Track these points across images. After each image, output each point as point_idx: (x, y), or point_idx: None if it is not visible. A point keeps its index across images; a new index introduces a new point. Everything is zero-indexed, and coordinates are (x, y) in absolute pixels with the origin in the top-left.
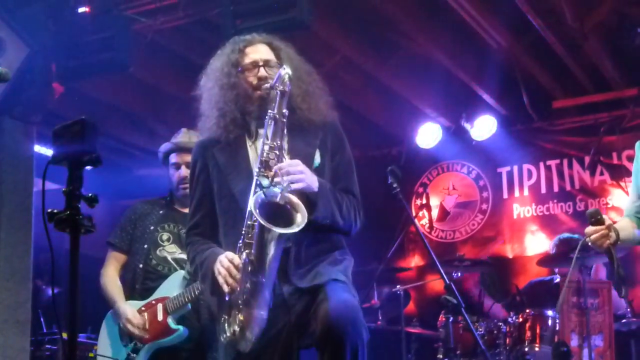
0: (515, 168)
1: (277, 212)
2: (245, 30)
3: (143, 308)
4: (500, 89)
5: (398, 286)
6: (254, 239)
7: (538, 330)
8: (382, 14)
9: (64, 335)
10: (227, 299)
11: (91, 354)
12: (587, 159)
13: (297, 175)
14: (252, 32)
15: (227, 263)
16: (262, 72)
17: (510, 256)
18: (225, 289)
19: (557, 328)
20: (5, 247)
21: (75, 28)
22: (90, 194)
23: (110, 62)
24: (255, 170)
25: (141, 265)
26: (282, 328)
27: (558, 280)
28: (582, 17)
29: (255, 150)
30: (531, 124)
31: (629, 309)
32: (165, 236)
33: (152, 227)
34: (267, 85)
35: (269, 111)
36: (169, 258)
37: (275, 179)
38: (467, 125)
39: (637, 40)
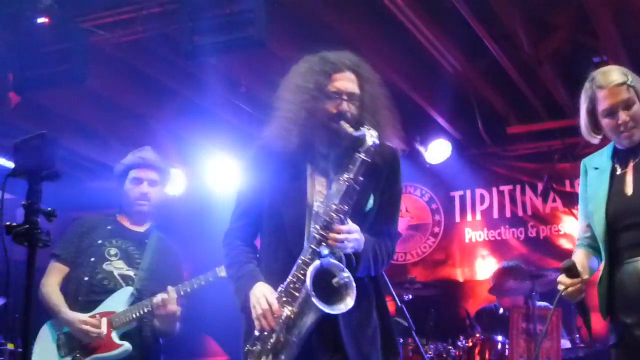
0: (468, 192)
1: (330, 286)
2: (203, 47)
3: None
4: (455, 113)
5: None
6: (299, 295)
7: (487, 355)
8: (339, 35)
9: (10, 346)
10: (256, 333)
11: None
12: (540, 186)
13: (351, 243)
14: (214, 54)
15: (265, 305)
16: (344, 106)
17: (461, 280)
18: (257, 326)
19: (507, 353)
20: None
21: (33, 38)
22: (49, 208)
23: (66, 74)
24: (315, 227)
25: (87, 278)
26: None
27: (502, 310)
28: (538, 44)
29: (313, 182)
30: (485, 149)
31: (577, 336)
32: (113, 251)
33: (99, 241)
34: (347, 128)
35: (346, 175)
36: (116, 273)
37: (334, 244)
38: (421, 149)
39: (592, 69)
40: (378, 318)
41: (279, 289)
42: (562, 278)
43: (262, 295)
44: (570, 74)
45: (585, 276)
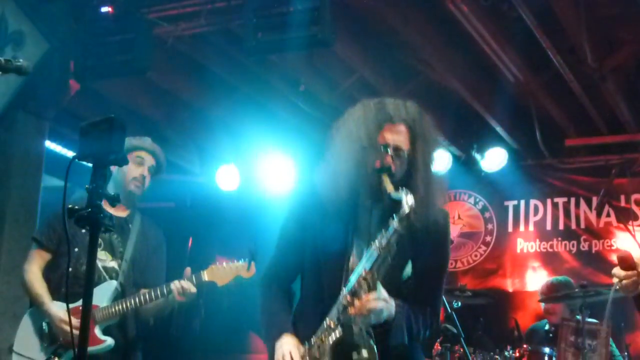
0: (523, 203)
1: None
2: (266, 44)
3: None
4: (514, 122)
5: None
6: (324, 354)
7: None
8: (403, 39)
9: None
10: None
11: None
12: (594, 199)
13: (376, 313)
14: (276, 51)
15: None
16: (388, 159)
17: (510, 290)
18: None
19: None
20: (8, 240)
21: (96, 27)
22: (113, 193)
23: (128, 64)
24: (345, 297)
25: (70, 269)
26: None
27: (548, 327)
28: (602, 58)
29: (353, 241)
30: (542, 160)
31: (626, 353)
32: None
33: (83, 230)
34: (387, 185)
35: (377, 242)
36: (99, 266)
37: (357, 314)
38: (477, 156)
39: None
40: None
41: (305, 347)
42: (617, 270)
43: (288, 352)
44: (633, 90)
45: None
